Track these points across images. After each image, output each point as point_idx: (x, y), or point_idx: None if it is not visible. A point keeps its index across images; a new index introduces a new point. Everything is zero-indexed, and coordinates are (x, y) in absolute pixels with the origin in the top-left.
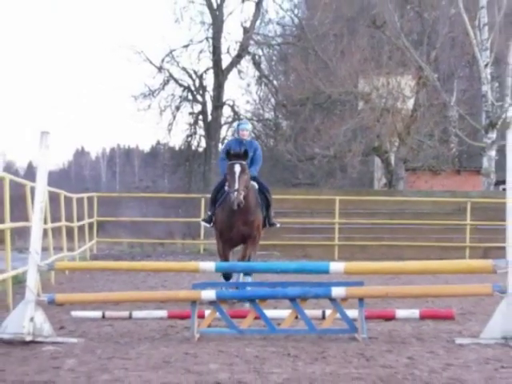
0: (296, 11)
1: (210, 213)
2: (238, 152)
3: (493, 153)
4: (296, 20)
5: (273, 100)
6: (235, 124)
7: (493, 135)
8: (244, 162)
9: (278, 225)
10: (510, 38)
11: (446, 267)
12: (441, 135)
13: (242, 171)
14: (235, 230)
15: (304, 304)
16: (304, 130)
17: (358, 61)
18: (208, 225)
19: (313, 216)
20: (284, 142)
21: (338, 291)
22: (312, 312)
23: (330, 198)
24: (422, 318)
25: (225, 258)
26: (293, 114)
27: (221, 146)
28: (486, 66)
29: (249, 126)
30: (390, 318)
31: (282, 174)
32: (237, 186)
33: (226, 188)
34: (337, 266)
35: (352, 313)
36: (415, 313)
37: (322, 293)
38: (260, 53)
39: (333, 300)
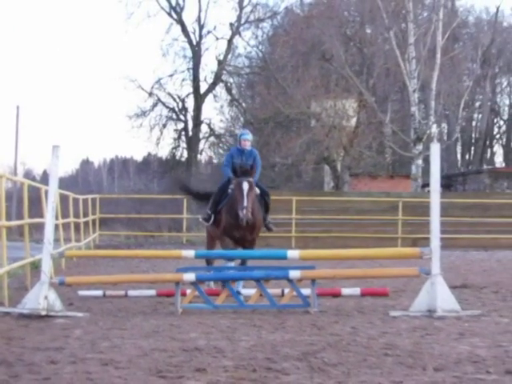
0: (260, 47)
1: (209, 212)
2: (245, 168)
3: (420, 161)
4: (260, 54)
5: (242, 119)
6: (238, 133)
7: (420, 147)
8: (251, 179)
9: (274, 228)
10: (433, 69)
11: (382, 254)
12: (378, 147)
13: (250, 188)
14: (239, 233)
15: (267, 284)
16: (267, 143)
17: (310, 87)
18: (206, 223)
19: (274, 213)
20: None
21: (294, 273)
22: (273, 290)
23: (288, 198)
24: (363, 295)
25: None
26: (258, 130)
27: (200, 157)
28: (414, 91)
29: (250, 137)
30: (337, 295)
31: None
32: (245, 204)
33: (230, 191)
34: (293, 254)
35: (306, 291)
36: (357, 291)
37: (281, 275)
38: (231, 81)
39: (290, 281)
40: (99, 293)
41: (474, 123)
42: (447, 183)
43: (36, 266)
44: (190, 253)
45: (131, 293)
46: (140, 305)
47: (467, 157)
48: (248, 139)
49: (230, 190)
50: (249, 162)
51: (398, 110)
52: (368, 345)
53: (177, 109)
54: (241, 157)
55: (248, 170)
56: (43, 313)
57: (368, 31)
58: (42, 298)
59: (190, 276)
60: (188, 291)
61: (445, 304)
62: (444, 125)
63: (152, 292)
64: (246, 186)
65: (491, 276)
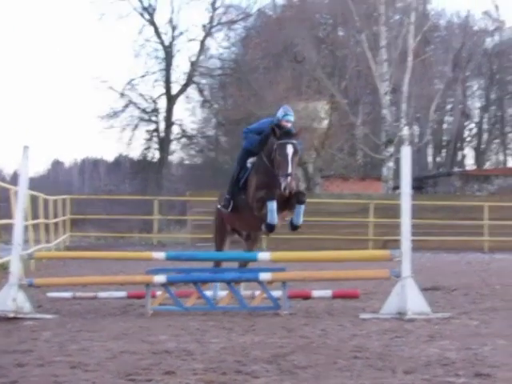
0: (233, 48)
1: (228, 196)
2: (289, 130)
3: (391, 163)
4: (233, 56)
5: (214, 120)
6: (281, 111)
7: (391, 149)
8: (296, 142)
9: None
10: (404, 72)
11: (353, 256)
12: (349, 149)
13: (295, 153)
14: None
15: (238, 286)
16: (239, 144)
17: (282, 89)
18: (226, 210)
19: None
20: (223, 154)
21: (265, 276)
22: (244, 292)
23: None
24: (334, 297)
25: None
26: (230, 132)
27: (171, 158)
28: (386, 93)
29: (293, 118)
30: (308, 297)
31: (221, 181)
32: (290, 170)
33: (249, 165)
34: (264, 255)
35: (277, 293)
36: (328, 293)
37: (252, 277)
38: (203, 82)
39: (261, 283)
40: (68, 294)
41: (444, 126)
42: (418, 185)
43: (5, 268)
44: (160, 254)
45: (101, 294)
46: (110, 307)
47: (438, 159)
48: (291, 121)
49: (249, 165)
50: None
51: (369, 112)
52: (338, 347)
53: (148, 110)
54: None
55: (291, 131)
56: (11, 315)
57: (340, 34)
58: (10, 300)
59: (160, 278)
60: (158, 293)
61: (415, 306)
62: (415, 127)
63: (122, 294)
64: (290, 149)
65: (461, 278)
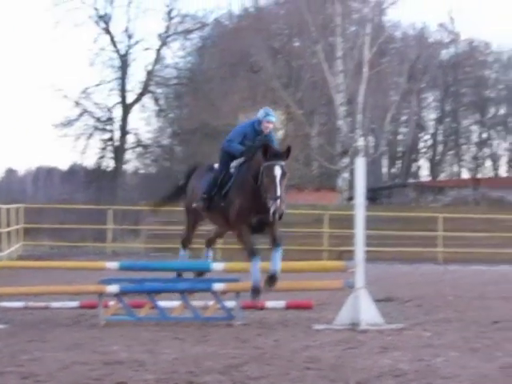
0: (189, 58)
1: (205, 196)
2: (278, 151)
3: (346, 174)
4: (189, 65)
5: (169, 129)
6: (262, 112)
7: (346, 160)
8: (284, 163)
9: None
10: (360, 83)
11: (307, 267)
12: (304, 160)
13: (283, 175)
14: (259, 218)
15: (191, 296)
16: (195, 154)
17: (238, 99)
18: (202, 210)
19: (202, 224)
20: (178, 164)
21: (218, 286)
22: (198, 303)
23: None
24: (287, 307)
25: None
26: (185, 141)
27: (126, 167)
28: (341, 104)
29: (275, 119)
30: (261, 307)
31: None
32: (279, 193)
33: (233, 170)
34: (218, 266)
35: (230, 303)
36: (282, 303)
37: (206, 287)
38: (159, 91)
39: (214, 293)
40: (21, 304)
41: (399, 137)
42: (373, 196)
43: None
44: (113, 264)
45: (53, 304)
46: (62, 317)
47: (393, 170)
48: (273, 122)
49: (232, 170)
50: None
51: (324, 122)
52: (291, 358)
53: (103, 119)
54: (254, 139)
55: (280, 151)
56: None
57: (296, 44)
58: None
59: (113, 288)
60: (111, 303)
61: (368, 317)
62: (370, 138)
63: (75, 304)
64: (278, 171)
65: (415, 289)
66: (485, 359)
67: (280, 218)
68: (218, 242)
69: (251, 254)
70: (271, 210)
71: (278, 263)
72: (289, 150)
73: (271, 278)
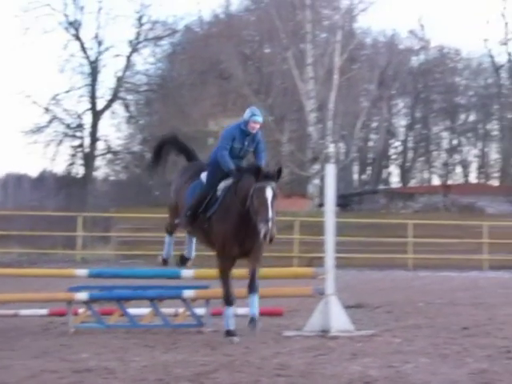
0: (159, 64)
1: (190, 212)
2: (269, 173)
3: (317, 181)
4: (159, 72)
5: (139, 136)
6: (248, 112)
7: (317, 167)
8: (275, 184)
9: None
10: (330, 89)
11: (277, 273)
12: (275, 166)
13: (274, 197)
14: (244, 247)
15: (161, 303)
16: (165, 160)
17: (208, 105)
18: (184, 227)
19: None
20: (147, 170)
21: (188, 293)
22: (167, 310)
23: None
24: (261, 314)
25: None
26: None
27: (96, 174)
28: (311, 111)
29: (261, 119)
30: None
31: (146, 197)
32: (270, 215)
33: (220, 193)
34: (188, 273)
35: (200, 310)
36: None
37: (175, 294)
38: (129, 97)
39: (184, 300)
40: None
41: (370, 144)
42: (343, 203)
43: None
44: (82, 271)
45: (22, 312)
46: (31, 324)
47: (364, 177)
48: (259, 122)
49: (219, 192)
50: (251, 148)
51: (295, 129)
52: (261, 365)
53: (73, 125)
54: (243, 140)
55: (271, 172)
56: None
57: (266, 51)
58: None
59: (82, 295)
60: (80, 310)
61: (338, 324)
62: (341, 145)
63: (44, 311)
64: (270, 193)
65: (385, 296)
66: (454, 365)
67: (271, 241)
68: None
69: (226, 301)
70: (262, 233)
71: (256, 307)
72: (280, 170)
73: (252, 321)
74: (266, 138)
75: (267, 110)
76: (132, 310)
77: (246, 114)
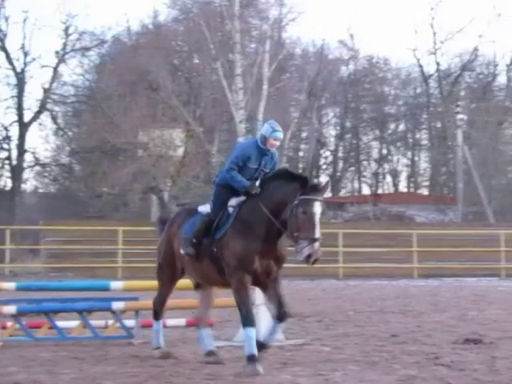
0: (87, 75)
1: (194, 240)
2: (317, 185)
3: None
4: (87, 83)
5: (68, 148)
6: (267, 127)
7: None
8: (322, 199)
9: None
10: (260, 100)
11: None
12: (205, 177)
13: (321, 213)
14: (262, 264)
15: (90, 315)
16: (94, 172)
17: (137, 117)
18: (190, 256)
19: (100, 243)
20: (77, 182)
21: (117, 305)
22: (97, 322)
23: (115, 228)
24: (188, 325)
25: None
26: (85, 160)
27: (24, 186)
28: (241, 122)
29: (282, 136)
30: (163, 326)
31: (75, 209)
32: (318, 234)
33: (231, 210)
34: (117, 284)
35: (130, 322)
36: (182, 321)
37: (105, 306)
38: (57, 109)
39: (114, 312)
40: None
41: (300, 154)
42: None
43: None
44: (10, 285)
45: None
46: None
47: None
48: (280, 139)
49: (230, 209)
50: (267, 169)
51: (225, 140)
52: (190, 376)
53: (0, 137)
54: (260, 160)
55: (320, 185)
56: None
57: (196, 61)
58: None
59: (10, 308)
60: (9, 324)
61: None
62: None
63: None
64: (318, 208)
65: (316, 305)
66: (383, 372)
67: (314, 263)
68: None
69: (246, 322)
70: (304, 254)
71: (274, 336)
72: (328, 184)
73: (263, 346)
74: (195, 149)
75: (196, 121)
76: (61, 323)
77: (266, 130)
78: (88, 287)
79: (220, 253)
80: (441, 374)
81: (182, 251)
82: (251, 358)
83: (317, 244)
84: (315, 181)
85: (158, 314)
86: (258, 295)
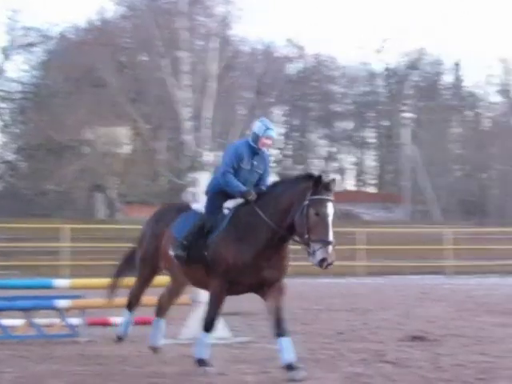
0: (33, 72)
1: (185, 242)
2: (329, 184)
3: (193, 189)
4: (33, 79)
5: (14, 145)
6: (260, 126)
7: (194, 175)
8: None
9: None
10: (207, 98)
11: (155, 281)
12: (152, 175)
13: (334, 214)
14: (257, 274)
15: (35, 314)
16: (39, 169)
17: (83, 114)
18: (180, 261)
19: (45, 241)
20: (23, 180)
21: (63, 303)
22: (42, 320)
23: (60, 226)
24: (134, 323)
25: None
26: (31, 157)
27: None
28: (188, 119)
29: (275, 134)
30: (108, 324)
31: (20, 206)
32: (331, 237)
33: (227, 211)
34: (62, 282)
35: (75, 320)
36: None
37: (50, 304)
38: (3, 106)
39: (59, 310)
40: None
41: None
42: None
43: None
44: None
45: None
46: None
47: None
48: (273, 138)
49: (226, 211)
50: (259, 169)
51: (172, 137)
52: (135, 374)
53: None
54: (251, 160)
55: (332, 182)
56: None
57: (143, 58)
58: None
59: None
60: None
61: (215, 331)
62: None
63: None
64: (331, 209)
65: (263, 303)
66: (329, 370)
67: (327, 267)
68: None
69: (207, 327)
70: (318, 257)
71: (292, 352)
72: (334, 182)
73: (292, 369)
74: (142, 146)
75: (143, 119)
76: (5, 321)
77: (258, 128)
78: (31, 286)
79: (210, 255)
80: (386, 371)
81: (171, 252)
82: (201, 362)
83: (330, 247)
84: (327, 180)
85: (131, 305)
86: (202, 293)
